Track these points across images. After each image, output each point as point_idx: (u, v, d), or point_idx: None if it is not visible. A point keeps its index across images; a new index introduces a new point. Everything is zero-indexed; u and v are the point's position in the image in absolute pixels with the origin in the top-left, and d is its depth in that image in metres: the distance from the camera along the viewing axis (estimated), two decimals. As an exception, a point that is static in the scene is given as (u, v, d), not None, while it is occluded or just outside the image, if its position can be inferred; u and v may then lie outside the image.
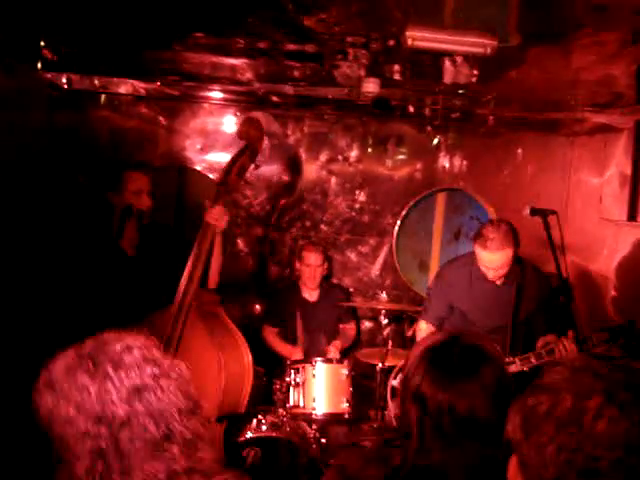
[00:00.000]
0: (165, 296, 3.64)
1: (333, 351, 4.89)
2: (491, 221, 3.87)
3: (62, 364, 1.43)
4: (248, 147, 3.77)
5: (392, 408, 4.35)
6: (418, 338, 4.32)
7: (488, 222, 3.86)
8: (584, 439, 1.11)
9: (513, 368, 3.77)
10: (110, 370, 1.39)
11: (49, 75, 4.71)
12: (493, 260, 3.78)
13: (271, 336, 5.17)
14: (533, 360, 3.73)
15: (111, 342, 1.46)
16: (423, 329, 4.29)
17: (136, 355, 1.44)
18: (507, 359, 3.91)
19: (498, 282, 4.02)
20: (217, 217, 3.62)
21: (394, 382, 4.38)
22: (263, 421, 4.12)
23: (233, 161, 3.77)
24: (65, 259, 3.90)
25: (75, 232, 4.25)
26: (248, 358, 3.60)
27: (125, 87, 5.13)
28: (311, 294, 5.25)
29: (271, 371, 4.65)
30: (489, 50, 2.91)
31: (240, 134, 3.83)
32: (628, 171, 4.43)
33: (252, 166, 3.81)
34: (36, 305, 3.97)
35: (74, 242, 3.98)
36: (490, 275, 3.91)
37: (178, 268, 3.66)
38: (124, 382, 1.38)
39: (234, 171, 3.73)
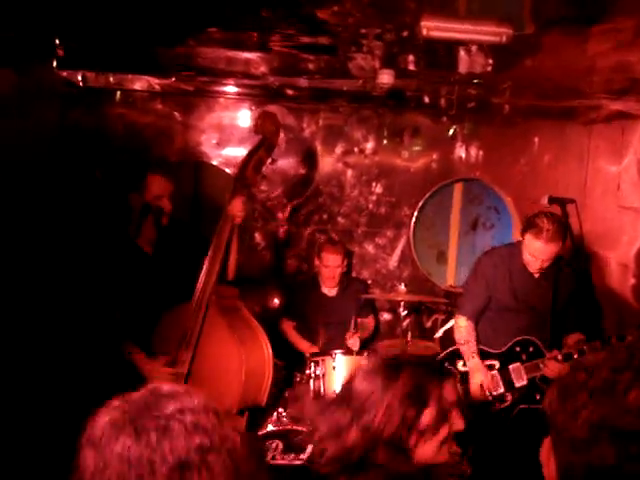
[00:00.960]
0: (184, 293, 3.66)
1: (353, 340, 4.77)
2: (545, 213, 3.86)
3: (106, 421, 1.30)
4: (264, 141, 3.78)
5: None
6: (458, 335, 4.20)
7: (541, 213, 3.86)
8: (615, 407, 1.17)
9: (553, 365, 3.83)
10: (154, 440, 1.26)
11: (64, 73, 4.72)
12: (545, 251, 3.82)
13: (289, 330, 5.17)
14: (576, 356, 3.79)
15: (162, 401, 1.33)
16: (463, 326, 4.18)
17: (187, 421, 1.29)
18: (548, 354, 3.91)
19: (536, 274, 4.03)
20: (238, 209, 3.66)
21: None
22: (284, 414, 4.14)
23: (250, 156, 3.77)
24: (83, 257, 3.93)
25: (93, 230, 4.27)
26: (268, 351, 3.62)
27: (140, 83, 5.14)
28: (330, 290, 5.25)
29: (291, 364, 4.66)
30: (504, 39, 2.88)
31: (256, 128, 3.83)
32: (646, 158, 4.39)
33: (269, 160, 3.81)
34: (52, 302, 4.01)
35: (92, 240, 4.00)
36: (536, 265, 3.93)
37: (196, 265, 3.68)
38: (167, 457, 1.25)
39: (251, 166, 3.74)
